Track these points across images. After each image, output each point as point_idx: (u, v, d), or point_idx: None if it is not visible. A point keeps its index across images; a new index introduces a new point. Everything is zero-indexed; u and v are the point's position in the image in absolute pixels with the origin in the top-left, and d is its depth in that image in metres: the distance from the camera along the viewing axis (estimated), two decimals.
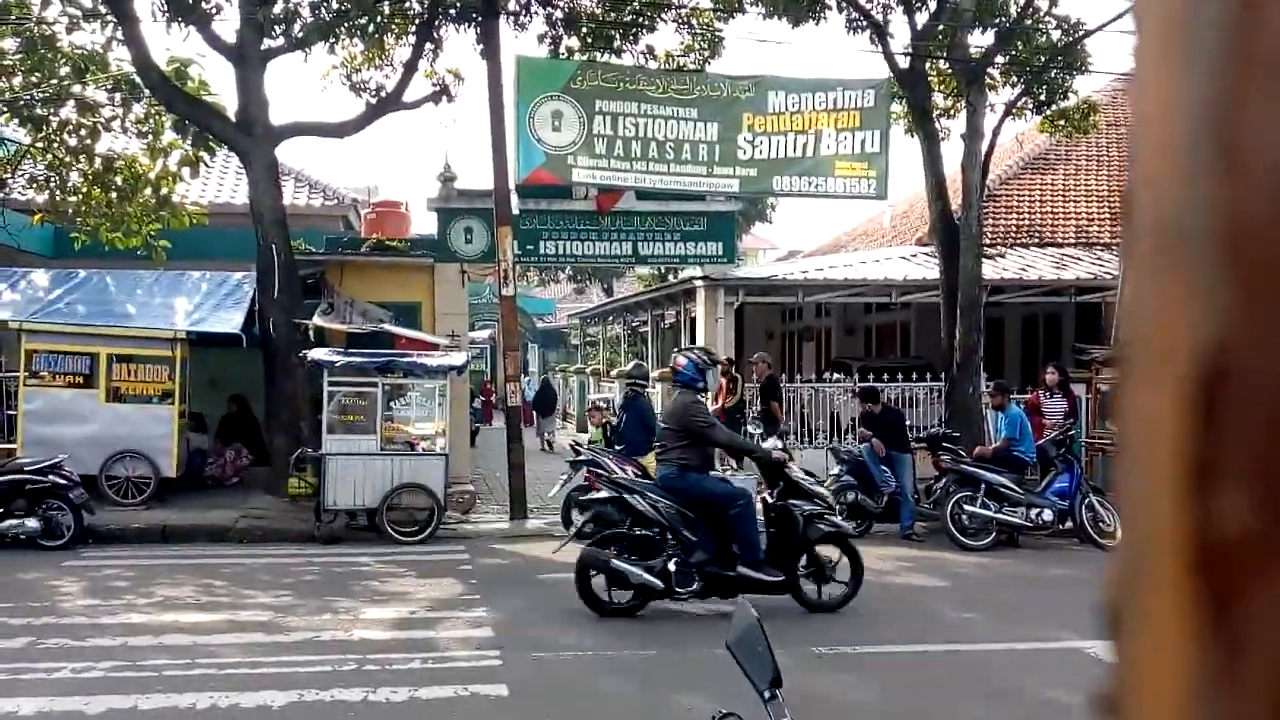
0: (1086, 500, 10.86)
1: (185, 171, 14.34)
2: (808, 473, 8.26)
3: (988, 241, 16.17)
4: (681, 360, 8.08)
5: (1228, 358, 0.35)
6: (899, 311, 19.00)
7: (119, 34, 12.76)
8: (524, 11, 13.44)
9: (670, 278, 21.67)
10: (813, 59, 78.17)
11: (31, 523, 9.98)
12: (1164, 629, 0.37)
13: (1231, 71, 0.36)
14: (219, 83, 47.41)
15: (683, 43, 15.02)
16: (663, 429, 8.32)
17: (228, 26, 12.81)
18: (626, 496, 7.69)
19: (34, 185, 14.81)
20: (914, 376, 14.93)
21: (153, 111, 14.06)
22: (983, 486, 10.72)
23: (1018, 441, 11.16)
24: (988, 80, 13.86)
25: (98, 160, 14.19)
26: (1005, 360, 17.94)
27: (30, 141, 14.41)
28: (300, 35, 12.73)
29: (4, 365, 14.07)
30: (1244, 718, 0.35)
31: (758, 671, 2.12)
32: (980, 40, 14.00)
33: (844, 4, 13.89)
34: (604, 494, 8.09)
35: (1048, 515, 10.75)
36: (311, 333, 12.90)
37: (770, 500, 7.81)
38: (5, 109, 13.81)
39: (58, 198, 14.40)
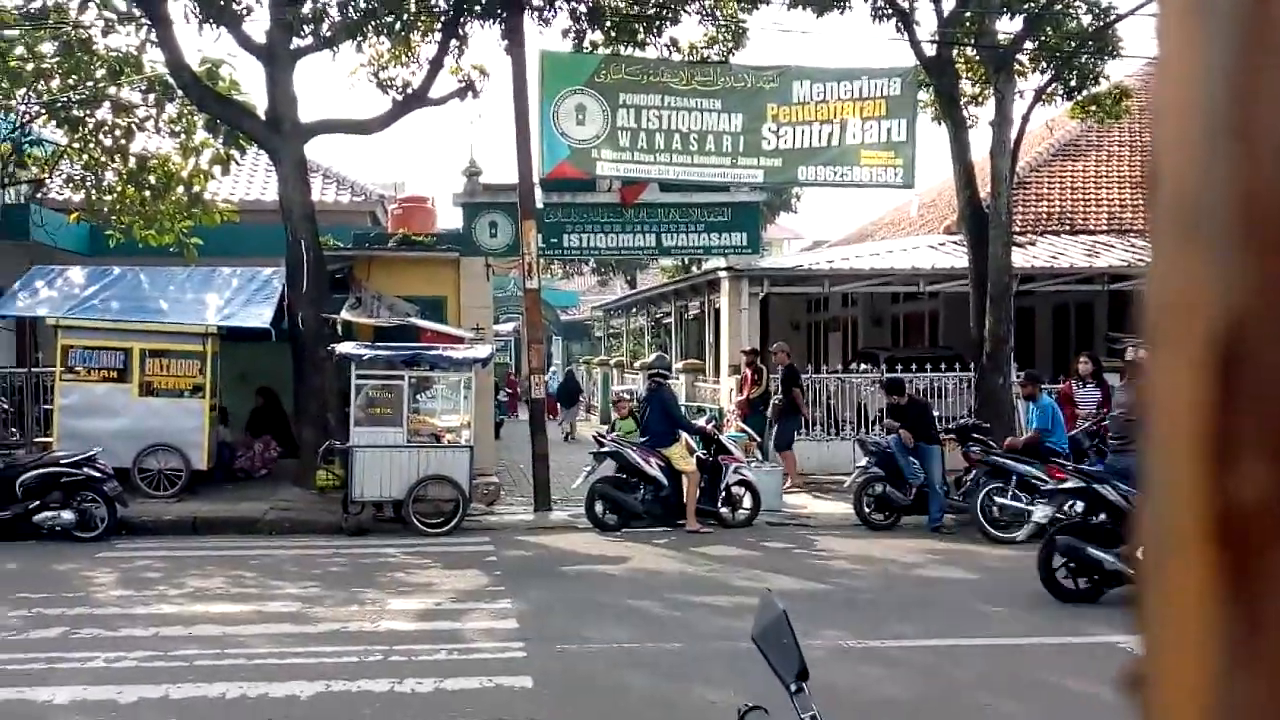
0: None
1: (216, 170, 14.55)
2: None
3: (1017, 229, 15.98)
4: None
5: (1246, 331, 0.35)
6: (927, 301, 18.85)
7: (153, 36, 12.96)
8: (548, 6, 13.44)
9: (694, 269, 21.63)
10: (838, 49, 77.56)
11: (67, 515, 10.16)
12: (1186, 598, 0.37)
13: (1248, 51, 0.36)
14: (249, 82, 47.85)
15: (706, 34, 14.95)
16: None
17: (258, 27, 12.95)
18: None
19: (71, 185, 15.06)
20: (943, 367, 14.79)
21: (185, 111, 14.26)
22: (1014, 478, 10.62)
23: (1049, 432, 11.03)
24: (1016, 66, 13.64)
25: (132, 160, 14.41)
26: (1036, 350, 17.74)
27: (67, 142, 14.66)
28: (329, 34, 12.84)
29: (41, 360, 14.34)
30: (1262, 694, 0.35)
31: (784, 664, 2.08)
32: (1008, 26, 13.84)
33: None
34: (1070, 485, 9.21)
35: (1079, 507, 10.62)
36: (339, 327, 13.02)
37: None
38: (44, 111, 14.06)
39: (93, 196, 14.63)
